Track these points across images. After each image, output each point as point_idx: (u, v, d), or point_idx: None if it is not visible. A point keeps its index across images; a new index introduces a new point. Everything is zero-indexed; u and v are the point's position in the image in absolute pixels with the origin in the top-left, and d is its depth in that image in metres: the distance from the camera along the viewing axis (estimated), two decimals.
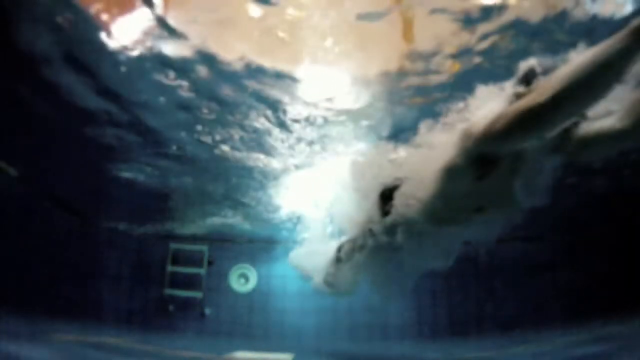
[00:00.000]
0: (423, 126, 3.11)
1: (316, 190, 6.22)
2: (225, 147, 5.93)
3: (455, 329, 7.46)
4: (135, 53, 4.28)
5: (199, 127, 5.57)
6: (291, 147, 5.81)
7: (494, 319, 7.26)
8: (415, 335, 7.50)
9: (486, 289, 7.49)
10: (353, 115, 5.16)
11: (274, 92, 4.82)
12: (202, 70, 4.53)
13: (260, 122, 5.38)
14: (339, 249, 4.06)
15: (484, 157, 2.23)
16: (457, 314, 7.54)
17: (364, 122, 5.28)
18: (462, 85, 3.92)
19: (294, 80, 4.61)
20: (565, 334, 5.23)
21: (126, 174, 6.60)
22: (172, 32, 4.06)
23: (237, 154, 6.02)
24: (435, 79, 4.59)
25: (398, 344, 7.30)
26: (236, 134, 5.63)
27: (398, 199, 3.01)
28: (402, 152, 4.40)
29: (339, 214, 4.32)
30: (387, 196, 3.17)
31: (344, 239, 4.11)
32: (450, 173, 2.42)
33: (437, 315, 7.59)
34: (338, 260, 4.09)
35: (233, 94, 4.90)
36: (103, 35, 4.03)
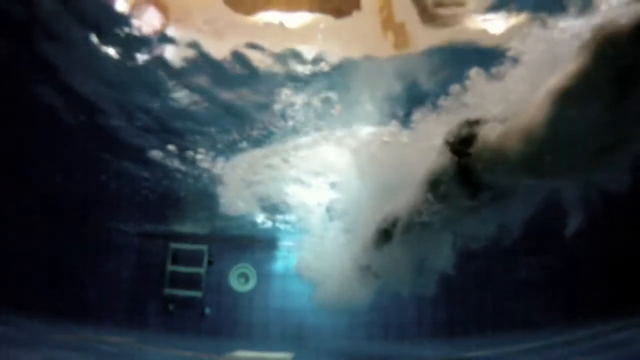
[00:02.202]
0: (417, 114, 3.05)
1: (314, 185, 6.18)
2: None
3: (455, 329, 7.46)
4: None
5: (199, 128, 5.58)
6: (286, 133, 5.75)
7: (494, 319, 7.25)
8: (415, 335, 7.50)
9: (486, 289, 7.48)
10: (347, 101, 5.17)
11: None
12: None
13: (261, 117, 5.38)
14: (387, 228, 3.49)
15: (629, 69, 1.53)
16: (457, 314, 7.53)
17: (358, 108, 5.28)
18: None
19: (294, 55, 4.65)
20: (566, 333, 5.23)
21: (125, 175, 6.60)
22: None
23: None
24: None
25: (398, 343, 7.30)
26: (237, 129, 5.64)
27: (482, 145, 2.31)
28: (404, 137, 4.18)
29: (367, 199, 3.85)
30: (461, 146, 2.48)
31: (390, 215, 3.44)
32: (573, 94, 1.64)
33: (437, 315, 7.58)
34: (386, 238, 3.57)
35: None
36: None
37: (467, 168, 2.47)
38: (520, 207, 2.60)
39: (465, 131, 2.50)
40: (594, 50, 1.54)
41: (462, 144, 2.48)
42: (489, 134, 2.31)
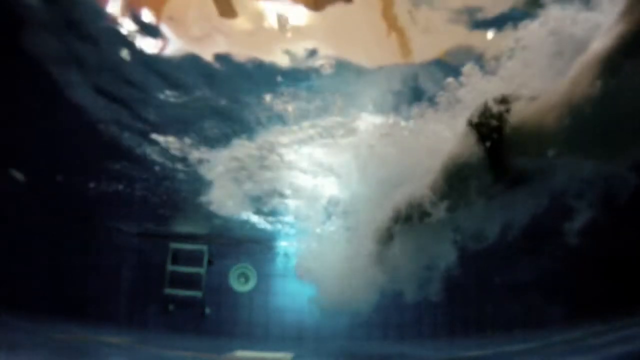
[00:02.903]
0: (416, 110, 3.04)
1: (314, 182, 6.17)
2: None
3: (455, 329, 7.46)
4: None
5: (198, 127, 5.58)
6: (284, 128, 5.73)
7: (494, 319, 7.25)
8: (415, 335, 7.50)
9: (486, 289, 7.48)
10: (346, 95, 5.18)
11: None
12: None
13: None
14: (389, 226, 3.41)
15: None
16: (457, 314, 7.53)
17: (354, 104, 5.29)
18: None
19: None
20: (566, 333, 5.23)
21: (125, 175, 6.61)
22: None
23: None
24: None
25: (398, 343, 7.30)
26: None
27: (516, 125, 2.08)
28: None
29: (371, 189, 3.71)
30: (491, 128, 2.24)
31: (392, 212, 3.31)
32: (616, 63, 1.45)
33: (437, 315, 7.58)
34: (388, 237, 3.50)
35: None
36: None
37: (496, 152, 2.25)
38: (530, 203, 2.54)
39: (493, 111, 2.27)
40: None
41: (491, 125, 2.26)
42: (519, 113, 2.11)
